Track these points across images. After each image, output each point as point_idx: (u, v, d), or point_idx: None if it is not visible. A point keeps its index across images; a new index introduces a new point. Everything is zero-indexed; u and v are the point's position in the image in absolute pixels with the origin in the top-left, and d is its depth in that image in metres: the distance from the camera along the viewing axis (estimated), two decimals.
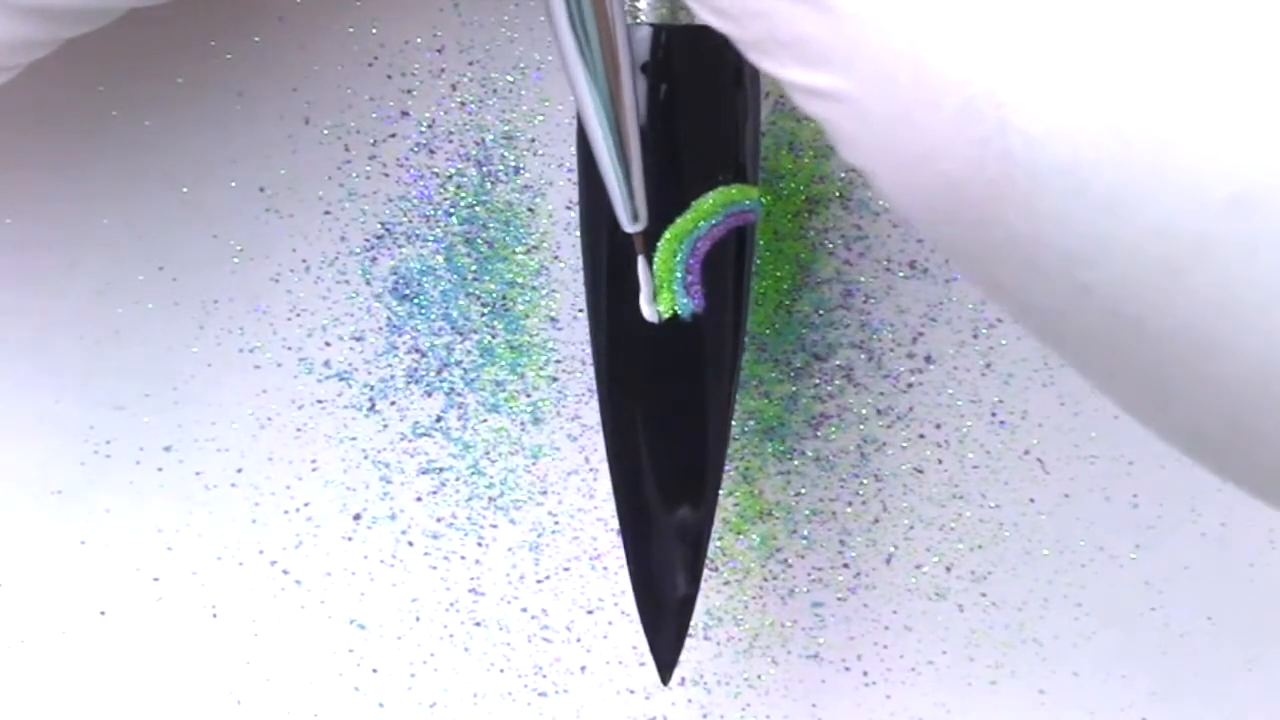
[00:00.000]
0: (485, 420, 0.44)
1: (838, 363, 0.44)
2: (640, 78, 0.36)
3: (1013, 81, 0.25)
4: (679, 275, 0.36)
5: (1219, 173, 0.24)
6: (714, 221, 0.36)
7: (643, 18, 0.37)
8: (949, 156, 0.26)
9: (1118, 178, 0.24)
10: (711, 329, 0.37)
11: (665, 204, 0.36)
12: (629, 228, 0.35)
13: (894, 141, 0.27)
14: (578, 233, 0.43)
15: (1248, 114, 0.24)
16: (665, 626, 0.39)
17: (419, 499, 0.45)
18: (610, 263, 0.37)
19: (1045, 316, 0.27)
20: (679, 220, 0.36)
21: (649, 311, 0.36)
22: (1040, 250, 0.26)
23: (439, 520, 0.45)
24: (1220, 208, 0.24)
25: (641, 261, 0.36)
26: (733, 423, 0.40)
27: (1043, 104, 0.25)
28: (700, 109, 0.37)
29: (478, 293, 0.44)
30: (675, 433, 0.38)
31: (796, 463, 0.45)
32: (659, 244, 0.36)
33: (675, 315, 0.36)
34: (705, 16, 0.30)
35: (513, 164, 0.44)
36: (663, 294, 0.36)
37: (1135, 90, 0.24)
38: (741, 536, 0.45)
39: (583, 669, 0.45)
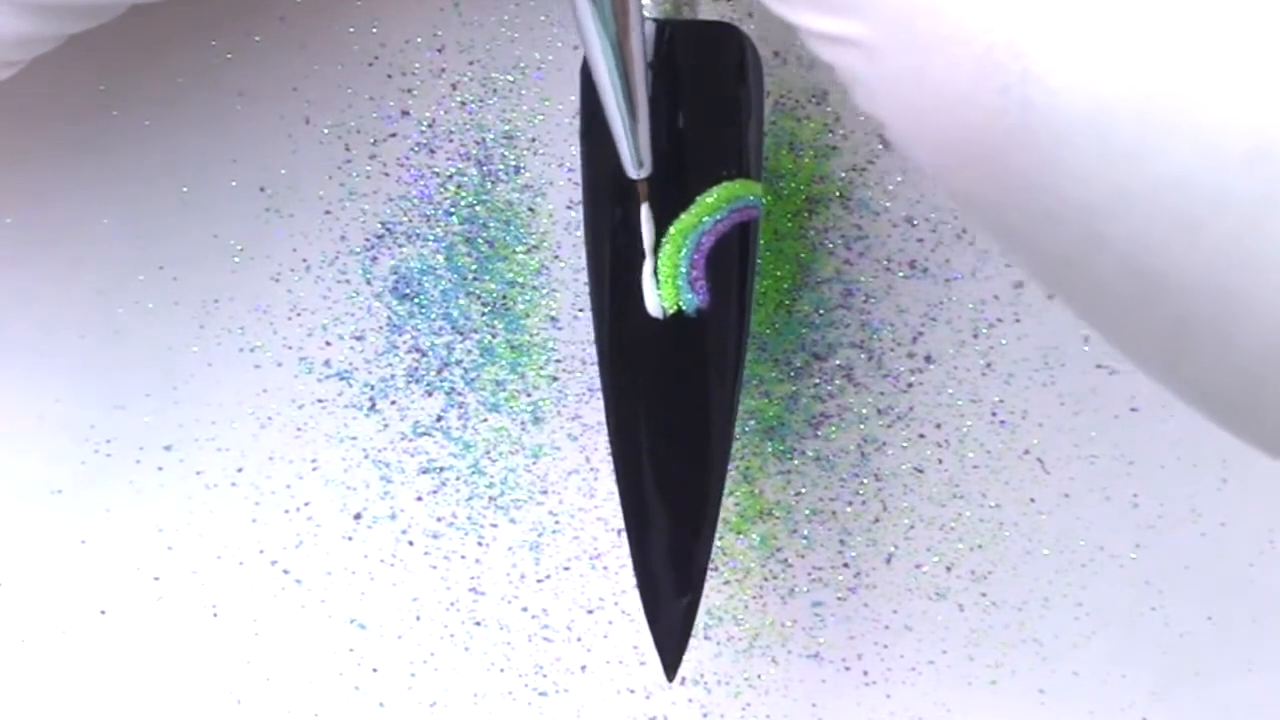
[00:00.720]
0: (486, 420, 0.44)
1: (838, 362, 0.44)
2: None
3: (1033, 31, 0.25)
4: (683, 271, 0.36)
5: (1239, 127, 0.24)
6: (718, 217, 0.36)
7: (646, 13, 0.37)
8: (967, 105, 0.26)
9: (1137, 130, 0.24)
10: (715, 327, 0.37)
11: (669, 199, 0.36)
12: (633, 174, 0.35)
13: (910, 89, 0.27)
14: (578, 232, 0.43)
15: (1269, 68, 0.24)
16: (669, 626, 0.39)
17: (419, 498, 0.45)
18: (614, 261, 0.37)
19: (1061, 268, 0.27)
20: (683, 216, 0.36)
21: (649, 290, 0.36)
22: (1057, 201, 0.26)
23: (439, 520, 0.45)
24: (1239, 162, 0.24)
25: (645, 209, 0.36)
26: None
27: (1063, 54, 0.25)
28: (704, 104, 0.37)
29: (478, 292, 0.44)
30: (678, 432, 0.38)
31: (797, 462, 0.45)
32: (663, 240, 0.36)
33: (679, 312, 0.36)
34: None
35: (513, 163, 0.44)
36: (667, 290, 0.36)
37: (1156, 42, 0.24)
38: (741, 536, 0.45)
39: (583, 668, 0.45)
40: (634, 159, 0.35)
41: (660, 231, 0.36)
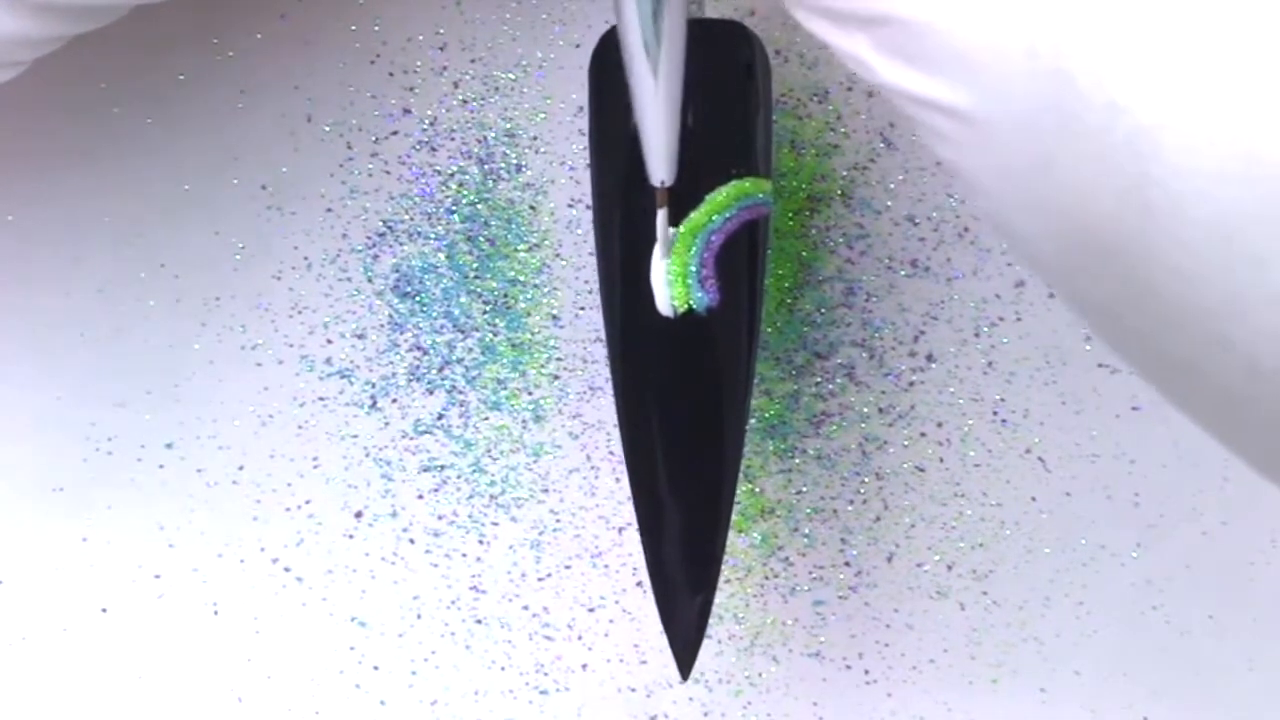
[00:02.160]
0: (487, 418, 0.44)
1: (839, 361, 0.44)
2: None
3: (1156, 131, 0.24)
4: (694, 270, 0.36)
5: None
6: (728, 215, 0.36)
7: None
8: (1084, 207, 0.25)
9: (1263, 235, 0.24)
10: (726, 324, 0.37)
11: (679, 198, 0.36)
12: (659, 180, 0.34)
13: (1020, 173, 0.26)
14: (580, 230, 0.43)
15: None
16: (684, 624, 0.39)
17: (420, 496, 0.45)
18: (624, 258, 0.37)
19: (1182, 371, 0.26)
20: (693, 214, 0.36)
21: (660, 289, 0.36)
22: (1178, 304, 0.25)
23: (440, 518, 0.45)
24: None
25: (662, 216, 0.35)
26: None
27: (1185, 159, 0.24)
28: (712, 102, 0.37)
29: (479, 290, 0.44)
30: (691, 429, 0.38)
31: (798, 461, 0.45)
32: (672, 239, 0.36)
33: (690, 310, 0.36)
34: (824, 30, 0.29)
35: (514, 161, 0.44)
36: (678, 289, 0.36)
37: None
38: (743, 535, 0.45)
39: (584, 667, 0.45)
40: (669, 165, 0.34)
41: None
